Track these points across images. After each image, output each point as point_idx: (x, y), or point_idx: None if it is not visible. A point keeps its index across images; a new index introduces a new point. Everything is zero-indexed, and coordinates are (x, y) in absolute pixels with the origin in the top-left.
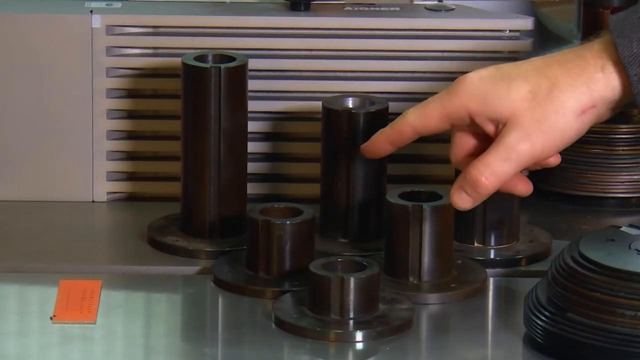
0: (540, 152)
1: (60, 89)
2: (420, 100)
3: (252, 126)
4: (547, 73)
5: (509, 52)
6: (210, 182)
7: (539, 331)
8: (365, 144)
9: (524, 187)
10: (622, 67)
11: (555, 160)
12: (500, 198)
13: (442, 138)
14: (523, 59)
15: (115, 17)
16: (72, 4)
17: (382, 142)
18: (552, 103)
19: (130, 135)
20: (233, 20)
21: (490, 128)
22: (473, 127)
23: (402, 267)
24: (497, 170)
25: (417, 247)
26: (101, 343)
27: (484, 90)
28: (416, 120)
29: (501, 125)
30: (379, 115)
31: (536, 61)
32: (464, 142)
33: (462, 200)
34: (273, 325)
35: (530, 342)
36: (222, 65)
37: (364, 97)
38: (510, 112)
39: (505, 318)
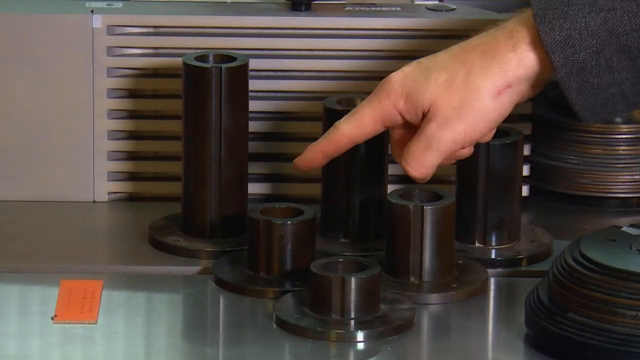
0: (462, 137)
1: (61, 89)
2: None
3: (253, 126)
4: (462, 59)
5: None
6: (211, 182)
7: (540, 331)
8: (299, 157)
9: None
10: (540, 47)
11: (467, 151)
12: (501, 198)
13: None
14: None
15: (116, 17)
16: (73, 4)
17: (316, 154)
18: (468, 88)
19: (131, 135)
20: (234, 20)
21: (419, 122)
22: (406, 123)
23: (403, 267)
24: (421, 160)
25: (418, 247)
26: (102, 343)
27: (408, 86)
28: (350, 129)
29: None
30: None
31: (454, 49)
32: (402, 138)
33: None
34: (274, 326)
35: (531, 342)
36: (223, 65)
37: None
38: (431, 101)
39: (506, 318)
